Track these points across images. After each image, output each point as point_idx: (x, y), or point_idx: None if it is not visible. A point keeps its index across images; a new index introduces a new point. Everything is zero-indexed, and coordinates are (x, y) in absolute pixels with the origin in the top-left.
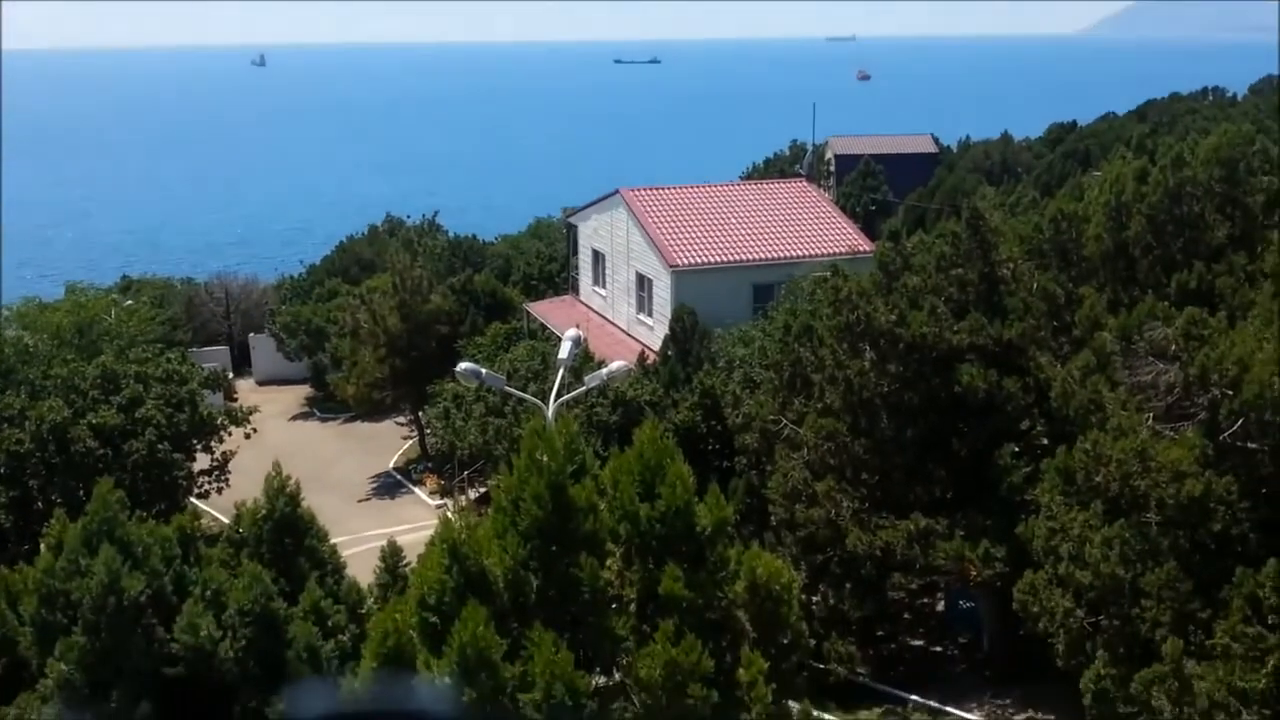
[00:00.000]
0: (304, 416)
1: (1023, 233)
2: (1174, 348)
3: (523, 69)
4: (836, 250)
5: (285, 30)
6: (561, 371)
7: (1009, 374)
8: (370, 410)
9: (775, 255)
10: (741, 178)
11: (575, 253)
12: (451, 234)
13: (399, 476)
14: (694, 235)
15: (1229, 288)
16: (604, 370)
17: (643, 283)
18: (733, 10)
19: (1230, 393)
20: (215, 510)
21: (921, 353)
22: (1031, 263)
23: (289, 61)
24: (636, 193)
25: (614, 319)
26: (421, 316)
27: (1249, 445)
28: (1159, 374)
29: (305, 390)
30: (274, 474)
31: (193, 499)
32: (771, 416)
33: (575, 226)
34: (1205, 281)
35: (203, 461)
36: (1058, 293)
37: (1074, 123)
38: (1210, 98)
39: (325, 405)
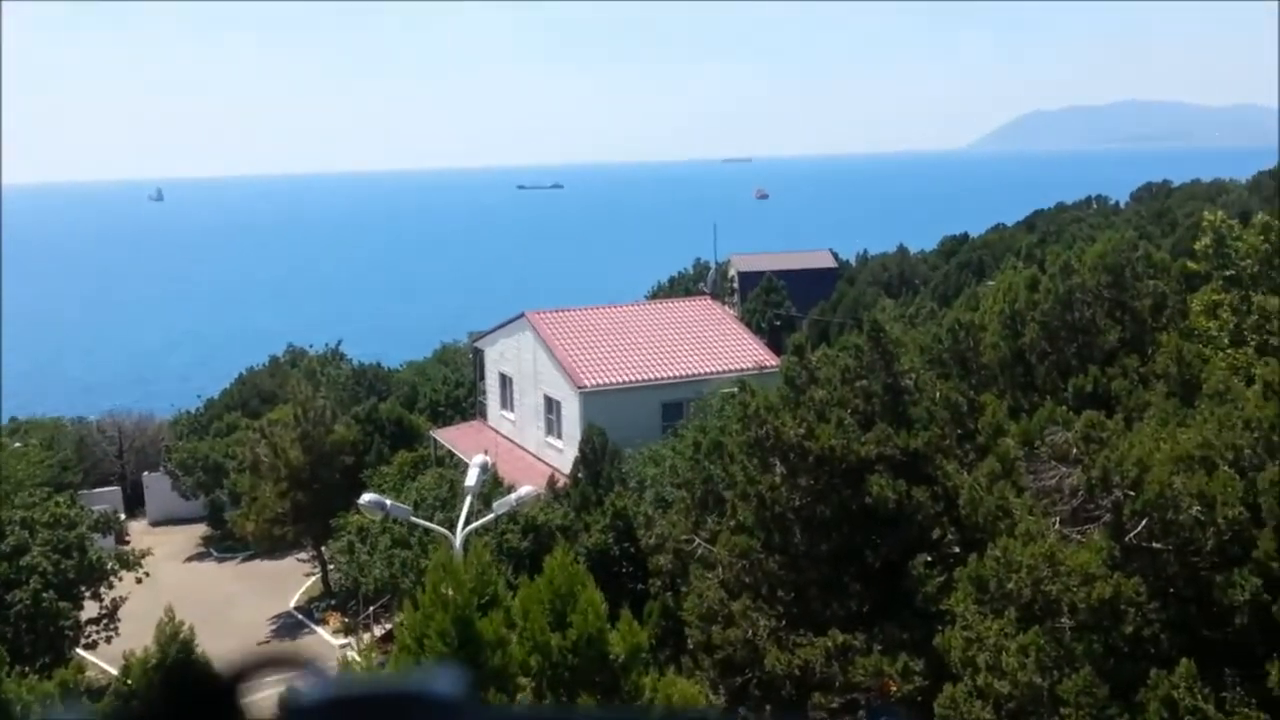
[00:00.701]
0: (200, 557)
1: (923, 343)
2: (1075, 451)
3: (426, 195)
4: (743, 366)
5: (183, 163)
6: (469, 499)
7: (918, 483)
8: (271, 547)
9: (683, 373)
10: (647, 297)
11: (482, 377)
12: (355, 362)
13: (300, 616)
14: (601, 356)
15: (1124, 390)
16: (513, 496)
17: (551, 405)
18: (632, 135)
19: (1132, 494)
20: (104, 661)
21: (831, 465)
22: (933, 372)
23: (187, 194)
24: (543, 315)
25: (523, 443)
26: (325, 448)
27: (1154, 545)
28: (1062, 478)
29: (201, 529)
30: (166, 619)
31: (79, 650)
32: (685, 536)
33: (482, 351)
34: (1101, 385)
35: (91, 609)
36: (960, 401)
37: (966, 234)
38: (1094, 206)
39: (223, 544)
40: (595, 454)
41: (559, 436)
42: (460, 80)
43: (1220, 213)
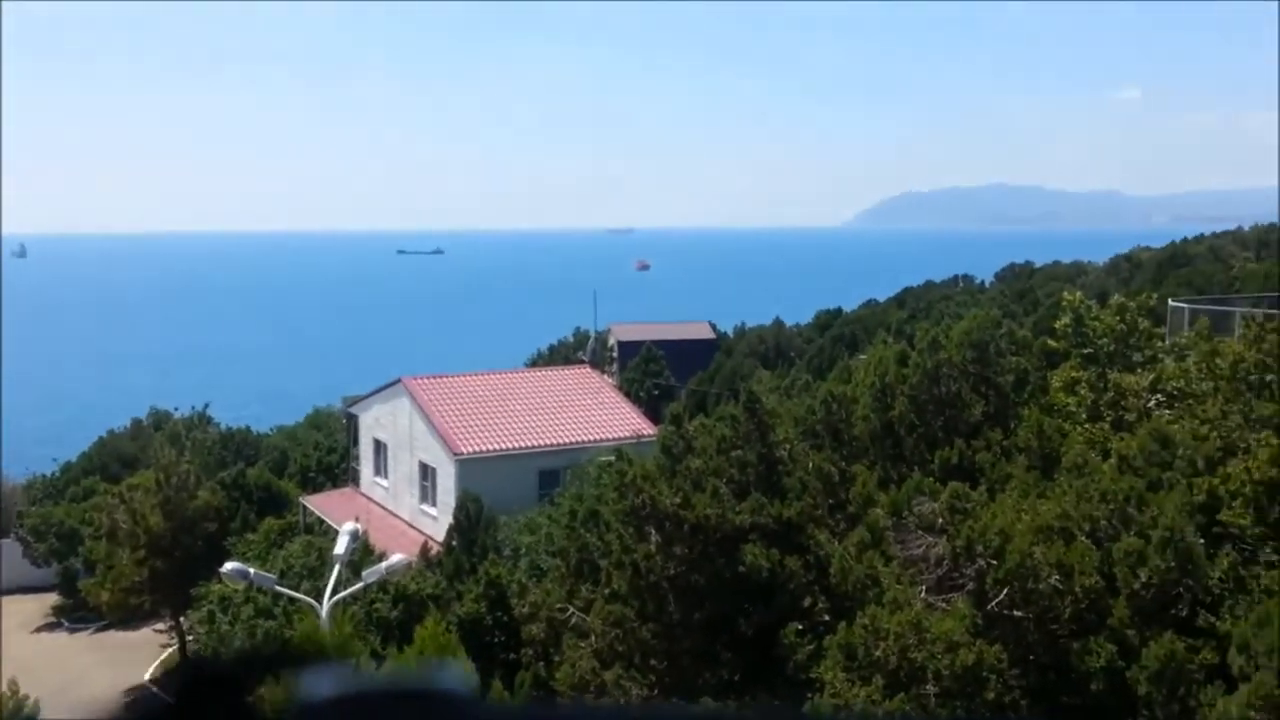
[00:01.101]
0: (50, 627)
1: (798, 414)
2: (941, 521)
3: (304, 258)
4: (621, 435)
5: (48, 220)
6: (338, 567)
7: (790, 552)
8: (126, 617)
9: (561, 441)
10: (526, 365)
11: (356, 443)
12: (224, 426)
13: (155, 690)
14: (478, 423)
15: (987, 462)
16: (384, 564)
17: (426, 472)
18: (515, 203)
19: (994, 563)
20: None
21: (706, 534)
22: (807, 443)
23: (52, 250)
24: (420, 381)
25: (397, 510)
26: (187, 514)
27: (1015, 613)
28: (929, 547)
29: (53, 598)
30: (10, 694)
31: None
32: (559, 605)
33: (356, 416)
34: (966, 457)
35: None
36: (832, 471)
37: (840, 309)
38: (961, 285)
39: (75, 614)
40: (470, 522)
41: (433, 504)
42: (340, 142)
43: (1079, 293)
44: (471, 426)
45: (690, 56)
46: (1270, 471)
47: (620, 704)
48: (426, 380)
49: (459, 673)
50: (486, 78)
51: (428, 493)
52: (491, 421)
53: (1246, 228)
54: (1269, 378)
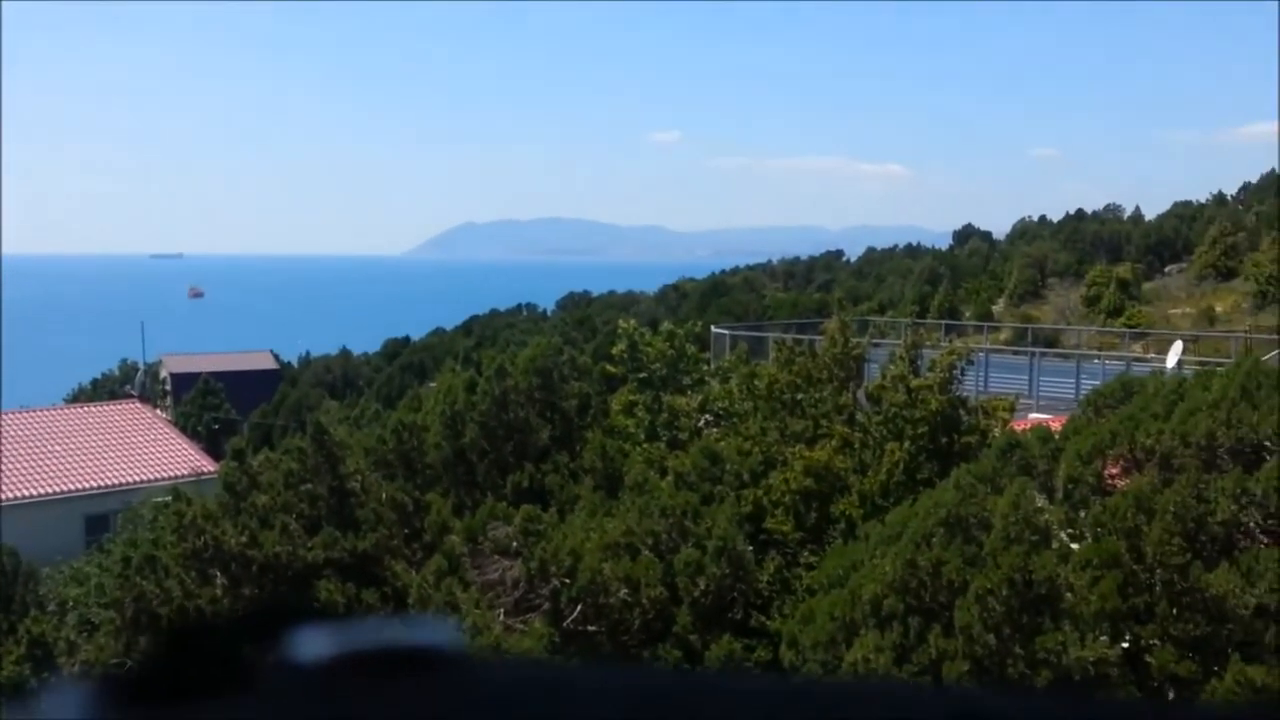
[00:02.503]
0: None
1: (368, 444)
2: (515, 544)
3: None
4: (178, 473)
5: None
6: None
7: (367, 585)
8: None
9: (109, 482)
10: (66, 401)
11: None
12: None
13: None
14: (12, 466)
15: (557, 485)
16: None
17: None
18: (48, 226)
19: (568, 581)
20: None
21: (277, 572)
22: (379, 473)
23: None
24: None
25: None
26: None
27: (589, 628)
28: (505, 570)
29: None
30: None
31: None
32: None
33: None
34: (536, 480)
35: None
36: (406, 501)
37: (407, 337)
38: (524, 313)
39: None
40: (6, 577)
41: None
42: None
43: (633, 321)
44: (6, 470)
45: (242, 70)
46: (805, 481)
47: (634, 666)
48: None
49: (453, 629)
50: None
51: None
52: (27, 464)
53: (775, 261)
54: (800, 396)
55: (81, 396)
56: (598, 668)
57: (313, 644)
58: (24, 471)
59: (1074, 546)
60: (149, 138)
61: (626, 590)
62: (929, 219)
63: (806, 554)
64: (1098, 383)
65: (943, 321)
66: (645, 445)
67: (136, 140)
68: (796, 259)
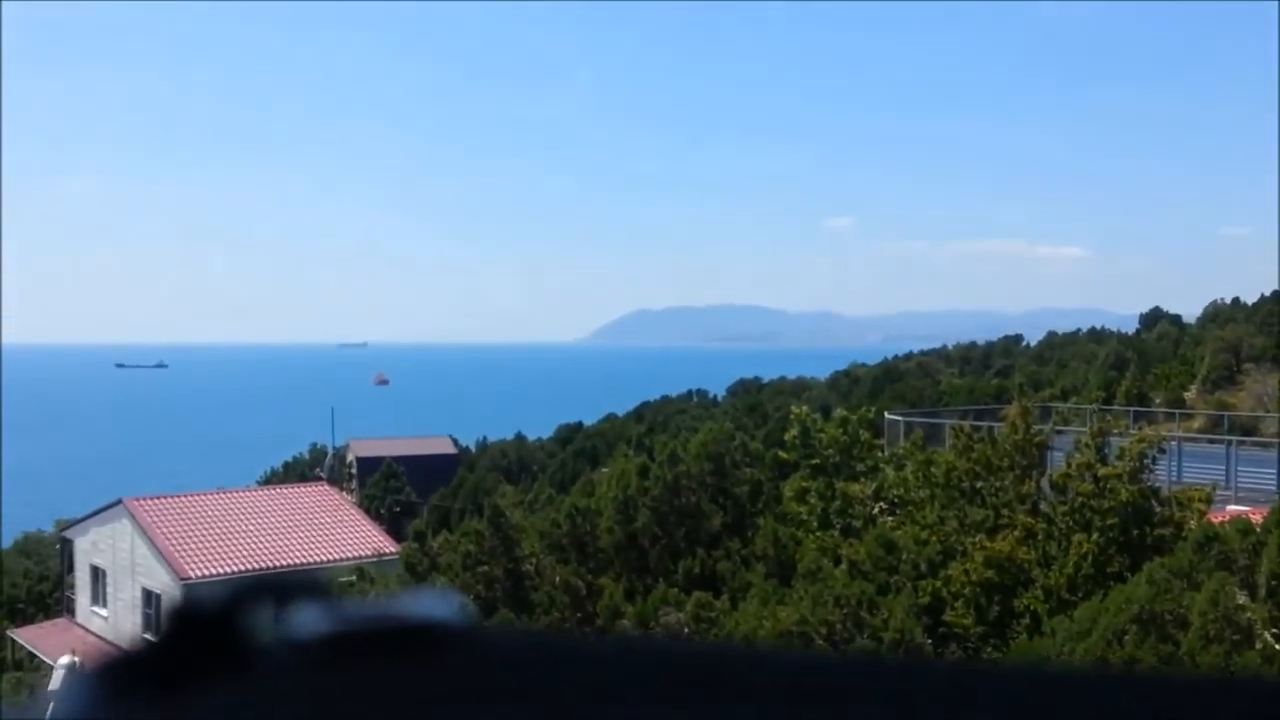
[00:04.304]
0: None
1: (543, 528)
2: (687, 630)
3: (9, 373)
4: (362, 553)
5: None
6: (52, 705)
7: None
8: None
9: (298, 561)
10: (259, 483)
11: (71, 570)
12: None
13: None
14: (208, 545)
15: (729, 571)
16: None
17: (151, 599)
18: (241, 316)
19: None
20: None
21: None
22: (553, 557)
23: None
24: (142, 502)
25: (117, 641)
26: None
27: None
28: None
29: None
30: None
31: None
32: None
33: (71, 541)
34: (707, 566)
35: None
36: (579, 585)
37: (580, 423)
38: (695, 399)
39: None
40: None
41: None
42: (51, 250)
43: (805, 407)
44: (200, 549)
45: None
46: (986, 573)
47: (644, 636)
48: (150, 501)
49: (453, 602)
50: (197, 188)
51: (153, 621)
52: (222, 543)
53: (950, 346)
54: (979, 484)
55: (274, 479)
56: (608, 639)
57: (312, 620)
58: (218, 550)
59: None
60: (337, 235)
61: None
62: (1113, 302)
63: (989, 649)
64: None
65: (1130, 408)
66: (818, 533)
67: (323, 237)
68: (973, 343)
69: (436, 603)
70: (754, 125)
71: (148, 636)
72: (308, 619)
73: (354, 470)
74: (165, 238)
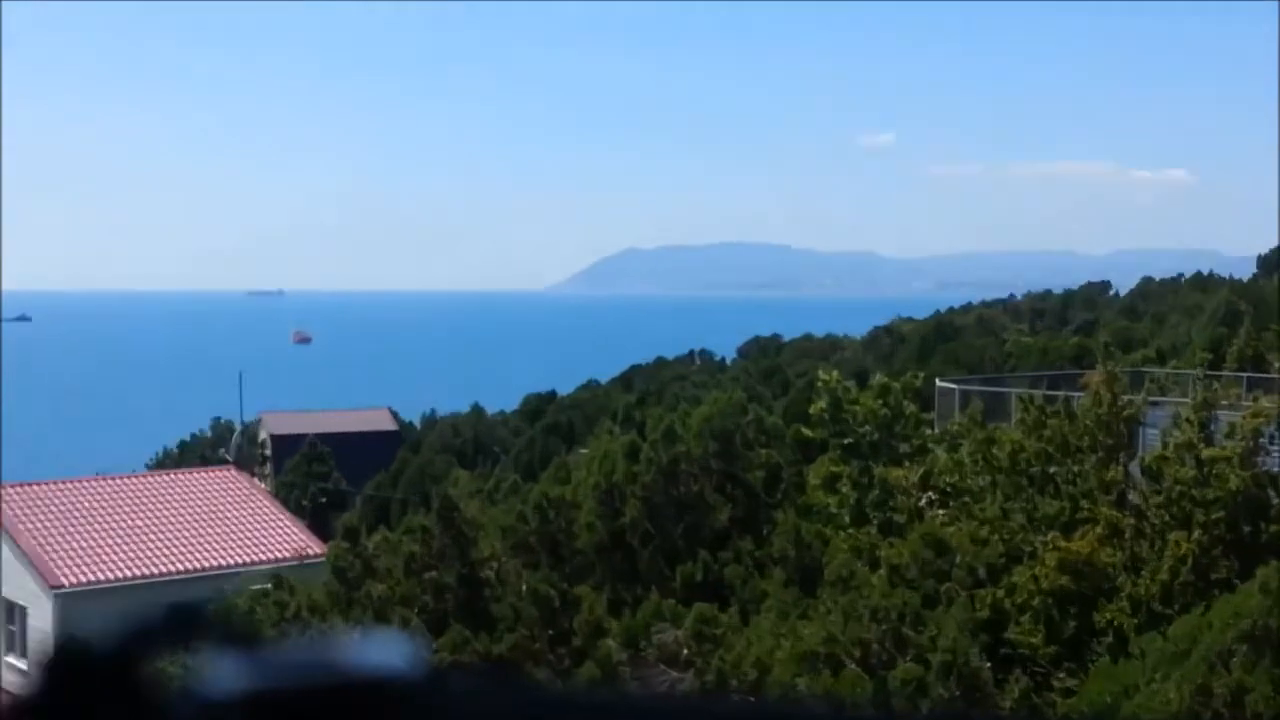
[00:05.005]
0: None
1: (506, 524)
2: (686, 652)
3: None
4: (279, 555)
5: None
6: None
7: None
8: None
9: (199, 566)
10: (149, 466)
11: None
12: None
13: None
14: (85, 545)
15: (738, 577)
16: None
17: (13, 612)
18: (124, 257)
19: (753, 699)
20: None
21: None
22: (518, 560)
23: None
24: (3, 490)
25: None
26: None
27: None
28: (673, 683)
29: None
30: None
31: None
32: None
33: None
34: (712, 572)
35: None
36: (551, 595)
37: (553, 392)
38: (698, 362)
39: None
40: None
41: (23, 654)
42: None
43: (835, 373)
44: (76, 550)
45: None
46: (1060, 580)
47: (616, 691)
48: (12, 489)
49: (402, 647)
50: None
51: (15, 639)
52: (104, 542)
53: (1019, 295)
54: (1052, 470)
55: (167, 461)
56: (605, 693)
57: (231, 671)
58: (98, 552)
59: None
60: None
61: None
62: (1225, 241)
63: (1062, 675)
64: None
65: (1244, 374)
66: (851, 530)
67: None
68: (1047, 292)
69: (386, 648)
70: (772, 18)
71: (15, 694)
72: (225, 670)
73: (268, 451)
74: (21, 168)
